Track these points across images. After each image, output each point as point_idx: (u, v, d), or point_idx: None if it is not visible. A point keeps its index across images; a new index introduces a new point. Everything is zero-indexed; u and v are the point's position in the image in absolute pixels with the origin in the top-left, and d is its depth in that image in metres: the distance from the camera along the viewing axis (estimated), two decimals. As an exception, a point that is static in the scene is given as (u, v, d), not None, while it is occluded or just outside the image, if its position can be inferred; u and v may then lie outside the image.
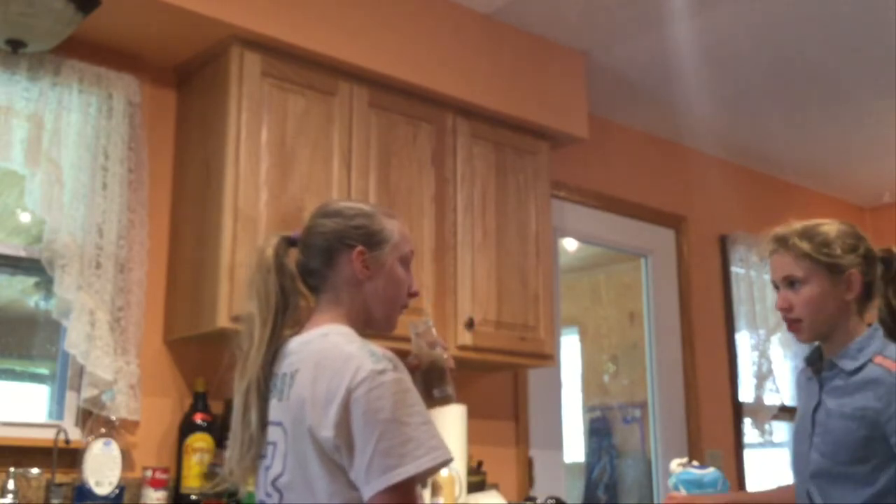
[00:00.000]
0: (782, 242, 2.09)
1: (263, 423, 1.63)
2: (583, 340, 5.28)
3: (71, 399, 2.80)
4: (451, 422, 3.14)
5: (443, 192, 3.28)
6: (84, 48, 2.85)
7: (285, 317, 1.68)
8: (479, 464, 3.43)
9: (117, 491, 2.65)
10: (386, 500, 1.45)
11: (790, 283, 2.07)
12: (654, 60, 3.83)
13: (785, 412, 4.67)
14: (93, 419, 2.72)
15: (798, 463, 2.12)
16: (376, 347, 1.57)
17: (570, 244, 4.48)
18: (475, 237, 3.35)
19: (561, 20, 3.56)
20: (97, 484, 2.62)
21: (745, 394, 4.74)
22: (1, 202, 2.92)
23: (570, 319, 5.07)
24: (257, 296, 1.68)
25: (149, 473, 2.72)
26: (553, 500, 3.44)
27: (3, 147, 2.68)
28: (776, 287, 2.12)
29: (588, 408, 5.09)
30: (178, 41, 2.93)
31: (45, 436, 2.64)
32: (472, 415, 3.29)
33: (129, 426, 2.80)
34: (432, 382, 1.80)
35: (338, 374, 1.52)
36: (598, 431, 4.97)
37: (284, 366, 1.64)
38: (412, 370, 1.75)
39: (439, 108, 3.33)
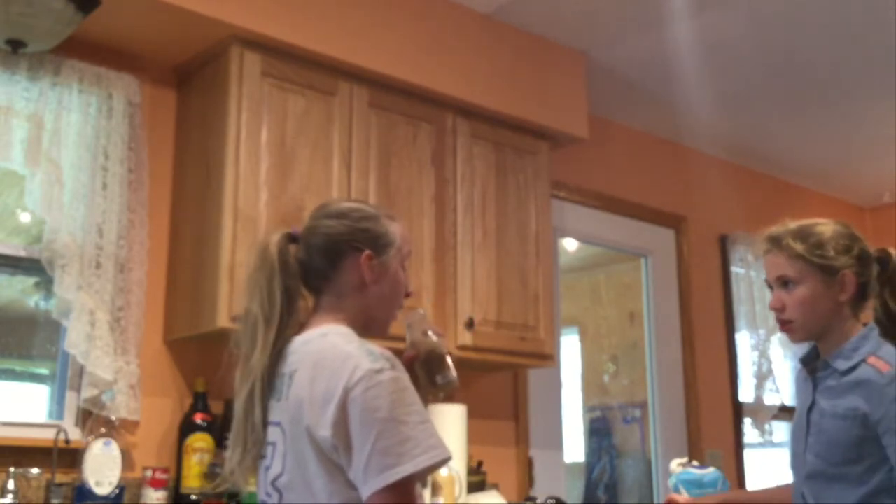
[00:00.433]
0: (776, 242, 2.08)
1: (265, 424, 1.63)
2: (583, 340, 5.28)
3: (71, 399, 2.80)
4: (451, 422, 3.14)
5: (443, 192, 3.28)
6: (84, 48, 2.85)
7: (290, 318, 1.67)
8: (479, 464, 3.43)
9: (117, 491, 2.65)
10: (384, 499, 1.45)
11: (783, 283, 2.07)
12: (654, 60, 3.83)
13: (785, 412, 4.67)
14: (93, 419, 2.72)
15: (795, 463, 2.13)
16: (374, 347, 1.57)
17: (570, 244, 4.48)
18: (475, 237, 3.35)
19: (561, 20, 3.56)
20: (97, 484, 2.62)
21: (745, 394, 4.74)
22: (1, 202, 2.92)
23: (570, 319, 5.07)
24: (260, 295, 1.66)
25: (149, 473, 2.72)
26: (553, 500, 3.44)
27: (3, 147, 2.68)
28: (770, 287, 2.12)
29: (588, 408, 5.09)
30: (178, 41, 2.93)
31: (45, 436, 2.64)
32: (472, 415, 3.29)
33: (129, 426, 2.80)
34: (433, 370, 1.80)
35: (335, 373, 1.52)
36: (598, 431, 4.97)
37: (284, 366, 1.64)
38: (411, 361, 1.77)
39: (439, 108, 3.33)
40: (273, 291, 1.66)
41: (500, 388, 3.78)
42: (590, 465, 4.91)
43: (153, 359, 2.90)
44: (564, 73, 3.75)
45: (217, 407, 2.88)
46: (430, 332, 1.82)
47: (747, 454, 4.73)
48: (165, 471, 2.75)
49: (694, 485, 2.40)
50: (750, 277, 4.87)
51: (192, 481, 2.78)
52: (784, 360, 4.92)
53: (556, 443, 4.01)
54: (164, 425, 2.88)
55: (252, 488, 2.78)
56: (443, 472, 2.96)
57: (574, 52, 3.79)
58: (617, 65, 3.91)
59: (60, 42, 2.64)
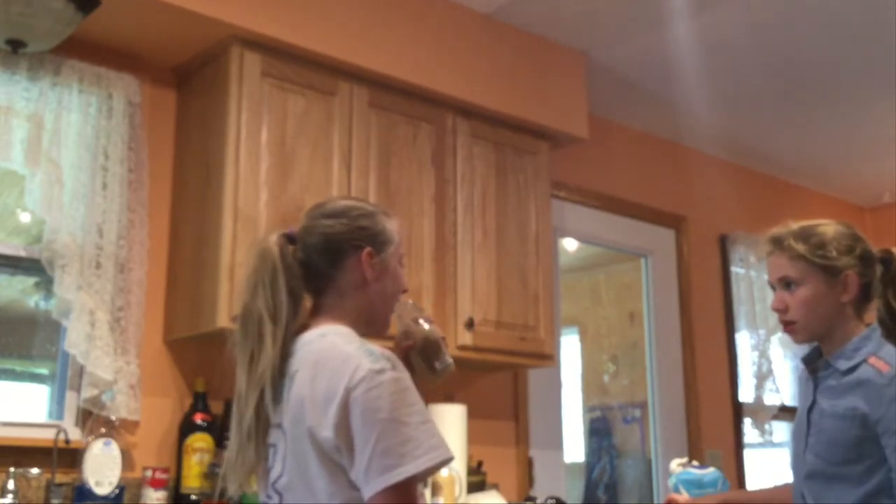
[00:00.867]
0: (778, 243, 2.09)
1: (270, 426, 1.63)
2: (583, 340, 5.29)
3: (71, 399, 2.80)
4: (451, 422, 3.14)
5: (443, 192, 3.28)
6: (84, 48, 2.85)
7: (295, 318, 1.66)
8: (479, 464, 3.43)
9: (117, 491, 2.65)
10: (386, 499, 1.45)
11: (786, 284, 2.07)
12: (654, 60, 3.83)
13: (785, 412, 4.67)
14: (93, 419, 2.72)
15: (795, 462, 2.13)
16: (375, 347, 1.57)
17: (570, 244, 4.48)
18: (475, 237, 3.35)
19: (561, 20, 3.56)
20: (97, 484, 2.62)
21: (745, 394, 4.74)
22: (1, 202, 2.92)
23: (570, 319, 5.07)
24: (264, 293, 1.64)
25: (149, 473, 2.72)
26: (553, 500, 3.44)
27: (3, 147, 2.68)
28: (773, 288, 2.12)
29: (588, 408, 5.09)
30: (178, 41, 2.93)
31: (45, 436, 2.64)
32: (472, 415, 3.29)
33: (129, 426, 2.80)
34: (431, 356, 1.82)
35: (336, 373, 1.52)
36: (598, 431, 4.97)
37: (285, 367, 1.63)
38: (408, 350, 1.80)
39: (439, 108, 3.33)
40: (278, 290, 1.64)
41: (500, 388, 3.78)
42: (590, 465, 4.91)
43: (153, 359, 2.90)
44: (564, 73, 3.75)
45: (217, 407, 2.88)
46: (421, 320, 1.84)
47: (747, 454, 4.73)
48: (165, 471, 2.75)
49: (694, 485, 2.40)
50: (750, 277, 4.86)
51: (192, 481, 2.78)
52: (784, 360, 4.92)
53: (556, 443, 4.01)
54: (164, 425, 2.88)
55: (252, 488, 2.78)
56: (443, 472, 2.96)
57: (574, 52, 3.79)
58: (617, 65, 3.91)
59: (60, 42, 2.64)
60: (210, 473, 2.77)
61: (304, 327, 1.69)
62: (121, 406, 2.72)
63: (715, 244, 4.85)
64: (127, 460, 2.74)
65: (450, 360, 1.83)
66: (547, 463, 3.90)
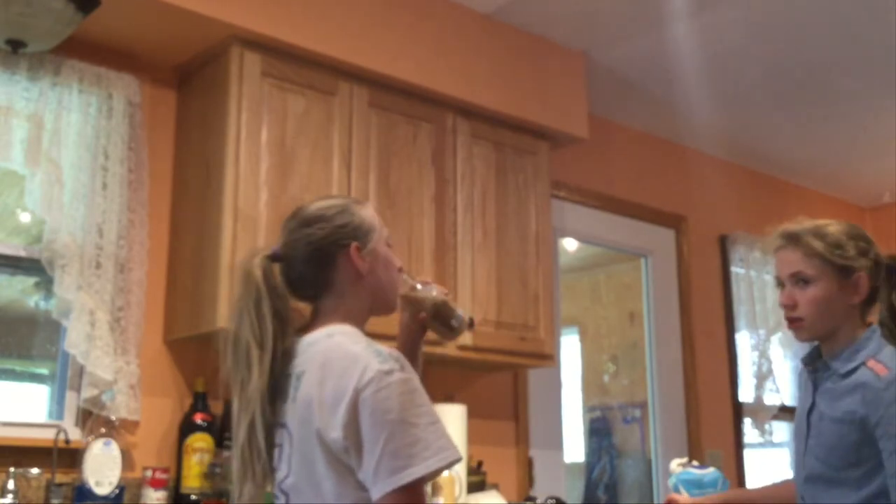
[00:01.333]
0: (793, 239, 2.05)
1: (270, 448, 1.62)
2: (583, 340, 5.29)
3: (71, 399, 2.80)
4: (451, 422, 3.14)
5: (443, 192, 3.28)
6: (84, 48, 2.85)
7: (284, 340, 1.64)
8: (479, 464, 3.43)
9: (117, 491, 2.65)
10: (394, 500, 1.45)
11: (797, 280, 2.04)
12: (654, 60, 3.83)
13: (785, 412, 4.67)
14: (93, 419, 2.72)
15: (796, 464, 2.12)
16: (382, 347, 1.56)
17: (570, 244, 4.48)
18: (475, 237, 3.35)
19: (561, 20, 3.56)
20: (97, 484, 2.62)
21: (745, 394, 4.74)
22: (1, 202, 2.92)
23: (570, 319, 5.07)
24: (249, 319, 1.63)
25: (149, 473, 2.72)
26: (553, 500, 3.44)
27: (3, 147, 2.68)
28: (780, 284, 2.09)
29: (588, 408, 5.09)
30: (178, 41, 2.93)
31: (45, 436, 2.64)
32: (472, 415, 3.29)
33: (129, 426, 2.80)
34: (446, 317, 1.86)
35: (345, 374, 1.52)
36: (598, 431, 4.97)
37: (291, 367, 1.63)
38: (423, 322, 1.85)
39: (439, 108, 3.33)
40: (263, 315, 1.63)
41: (500, 388, 3.78)
42: (590, 465, 4.91)
43: (153, 359, 2.90)
44: (564, 73, 3.75)
45: (217, 407, 2.88)
46: (418, 287, 1.85)
47: (747, 454, 4.73)
48: (165, 471, 2.75)
49: (694, 485, 2.40)
50: (750, 277, 4.86)
51: (192, 481, 2.78)
52: (784, 360, 4.92)
53: (556, 443, 4.01)
54: (164, 425, 2.88)
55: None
56: (443, 472, 2.95)
57: (574, 52, 3.79)
58: (617, 65, 3.91)
59: (60, 42, 2.64)
60: (210, 473, 2.77)
61: (309, 327, 1.69)
62: (121, 406, 2.72)
63: (715, 244, 4.85)
64: (127, 460, 2.74)
65: (462, 313, 1.87)
66: (547, 463, 3.90)
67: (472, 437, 3.34)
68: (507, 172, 3.51)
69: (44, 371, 2.98)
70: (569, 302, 4.84)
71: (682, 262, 4.64)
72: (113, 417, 2.72)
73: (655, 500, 4.33)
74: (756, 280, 4.86)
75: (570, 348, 5.09)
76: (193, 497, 2.77)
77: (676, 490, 2.41)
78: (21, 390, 2.98)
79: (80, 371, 2.74)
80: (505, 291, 3.39)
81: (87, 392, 2.69)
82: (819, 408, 2.04)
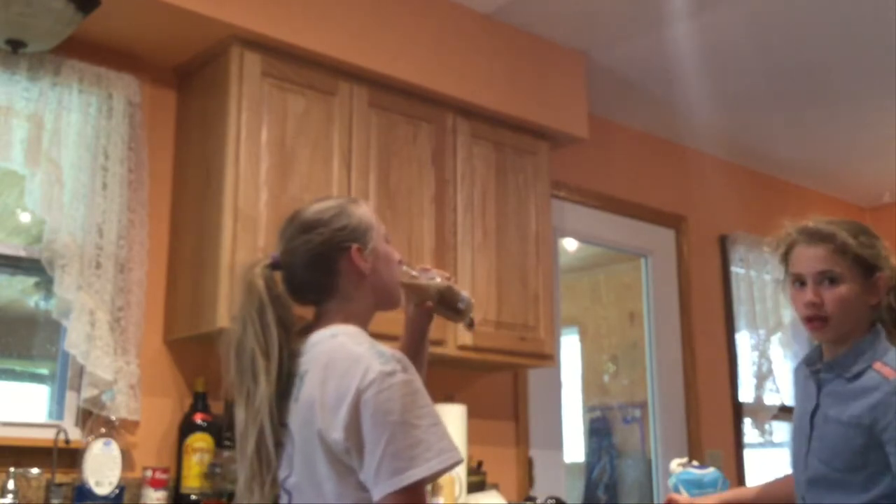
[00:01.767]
0: (824, 236, 1.99)
1: (279, 455, 1.62)
2: (583, 340, 5.29)
3: (71, 399, 2.80)
4: (451, 422, 3.14)
5: (443, 192, 3.28)
6: (84, 48, 2.85)
7: (289, 348, 1.64)
8: (479, 464, 3.43)
9: (117, 491, 2.65)
10: (395, 501, 1.45)
11: (825, 278, 1.98)
12: (654, 60, 3.83)
13: (785, 412, 4.66)
14: (93, 419, 2.72)
15: (795, 464, 2.11)
16: (385, 348, 1.56)
17: (570, 244, 4.48)
18: (475, 237, 3.35)
19: (561, 20, 3.56)
20: (97, 484, 2.62)
21: (745, 394, 4.74)
22: (1, 202, 2.92)
23: (570, 319, 5.07)
24: (253, 329, 1.63)
25: (149, 473, 2.72)
26: (553, 500, 3.44)
27: (3, 147, 2.68)
28: (799, 281, 2.02)
29: (588, 408, 5.09)
30: (178, 41, 2.93)
31: (45, 436, 2.64)
32: (472, 415, 3.29)
33: (129, 426, 2.80)
34: (452, 302, 1.85)
35: (347, 375, 1.51)
36: (598, 431, 4.97)
37: (294, 367, 1.63)
38: (430, 310, 1.84)
39: (439, 108, 3.33)
40: (267, 324, 1.63)
41: (500, 388, 3.78)
42: (590, 465, 4.91)
43: (153, 359, 2.90)
44: (564, 73, 3.75)
45: (217, 407, 2.88)
46: (420, 275, 1.84)
47: (747, 454, 4.73)
48: (165, 471, 2.75)
49: (694, 485, 2.40)
50: (750, 277, 4.86)
51: (192, 481, 2.78)
52: (784, 360, 4.92)
53: (556, 443, 4.01)
54: (164, 425, 2.88)
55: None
56: (443, 472, 2.95)
57: (574, 52, 3.79)
58: (617, 65, 3.91)
59: (60, 42, 2.64)
60: (210, 473, 2.77)
61: (313, 327, 1.69)
62: (121, 406, 2.72)
63: (715, 244, 4.85)
64: (127, 460, 2.74)
65: (466, 294, 1.88)
66: (547, 463, 3.90)
67: (472, 437, 3.34)
68: (507, 172, 3.51)
69: (44, 371, 2.98)
70: (569, 302, 4.84)
71: (682, 262, 4.64)
72: (113, 417, 2.72)
73: (655, 500, 4.33)
74: (756, 280, 4.86)
75: (570, 348, 5.09)
76: (193, 497, 2.77)
77: (676, 490, 2.41)
78: (21, 390, 2.98)
79: (80, 371, 2.74)
80: (505, 291, 3.39)
81: (87, 392, 2.69)
82: (823, 410, 2.02)
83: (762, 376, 4.78)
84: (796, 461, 2.10)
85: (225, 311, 2.69)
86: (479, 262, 3.34)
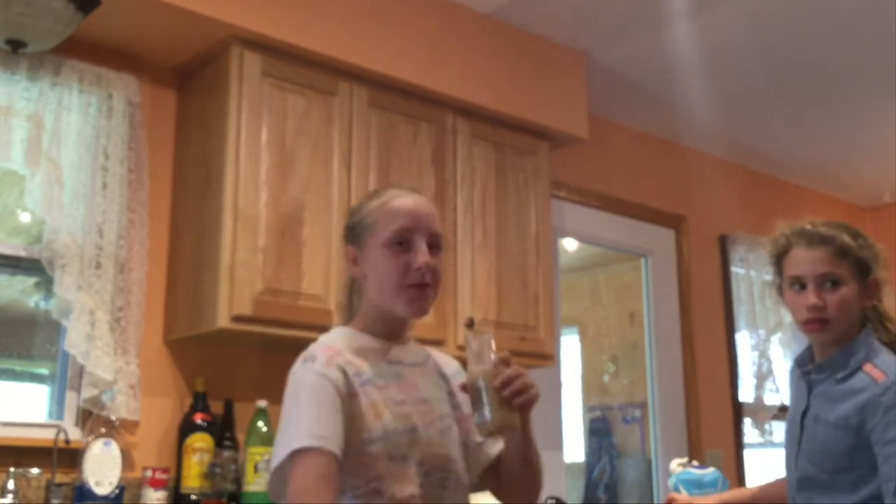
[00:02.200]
0: (824, 239, 2.00)
1: None
2: (583, 340, 5.28)
3: (71, 399, 2.80)
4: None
5: (443, 192, 3.28)
6: (84, 48, 2.85)
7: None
8: (479, 464, 3.42)
9: (117, 491, 2.65)
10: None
11: (827, 281, 1.99)
12: (654, 60, 3.83)
13: (785, 412, 4.64)
14: (93, 419, 2.71)
15: (787, 465, 2.11)
16: (320, 346, 1.63)
17: (570, 244, 4.47)
18: (475, 237, 3.35)
19: (561, 20, 3.56)
20: (97, 484, 2.62)
21: (745, 394, 4.74)
22: (1, 202, 2.92)
23: (570, 319, 5.07)
24: None
25: (149, 473, 2.72)
26: (553, 500, 3.44)
27: (3, 147, 2.68)
28: (798, 284, 2.03)
29: (588, 408, 5.09)
30: (178, 41, 2.93)
31: (45, 436, 2.64)
32: (472, 415, 3.29)
33: (129, 426, 2.80)
34: (473, 405, 1.60)
35: None
36: (598, 431, 4.97)
37: None
38: (463, 391, 1.65)
39: (439, 108, 3.33)
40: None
41: (500, 388, 3.77)
42: (590, 465, 4.91)
43: (153, 359, 2.90)
44: (564, 73, 3.75)
45: (217, 407, 2.88)
46: (472, 358, 1.62)
47: (747, 454, 4.73)
48: (165, 471, 2.75)
49: (694, 485, 2.40)
50: (750, 277, 4.86)
51: (192, 481, 2.78)
52: (784, 360, 4.92)
53: (556, 443, 4.01)
54: (164, 425, 2.88)
55: (252, 488, 2.78)
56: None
57: (574, 52, 3.79)
58: (617, 65, 3.91)
59: (60, 42, 2.64)
60: (210, 473, 2.77)
61: None
62: (121, 406, 2.72)
63: (715, 244, 4.85)
64: (127, 460, 2.74)
65: (485, 417, 1.57)
66: (547, 463, 3.87)
67: (472, 437, 3.33)
68: (507, 172, 3.51)
69: (44, 371, 2.98)
70: (569, 302, 4.84)
71: (682, 262, 4.64)
72: (113, 417, 2.72)
73: (655, 500, 4.33)
74: (756, 280, 4.86)
75: (570, 348, 5.09)
76: (193, 497, 2.77)
77: (676, 490, 2.41)
78: (21, 390, 2.98)
79: (80, 371, 2.74)
80: (505, 291, 3.39)
81: (87, 392, 2.69)
82: (814, 411, 2.03)
83: (762, 376, 4.78)
84: (787, 462, 2.11)
85: (225, 311, 2.69)
86: (479, 262, 3.33)
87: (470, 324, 1.71)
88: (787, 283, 2.07)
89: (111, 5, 2.66)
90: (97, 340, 2.69)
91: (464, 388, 1.63)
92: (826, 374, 2.02)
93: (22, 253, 2.82)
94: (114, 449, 2.68)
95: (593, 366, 5.22)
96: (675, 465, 2.49)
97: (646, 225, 4.54)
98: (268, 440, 2.82)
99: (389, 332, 1.70)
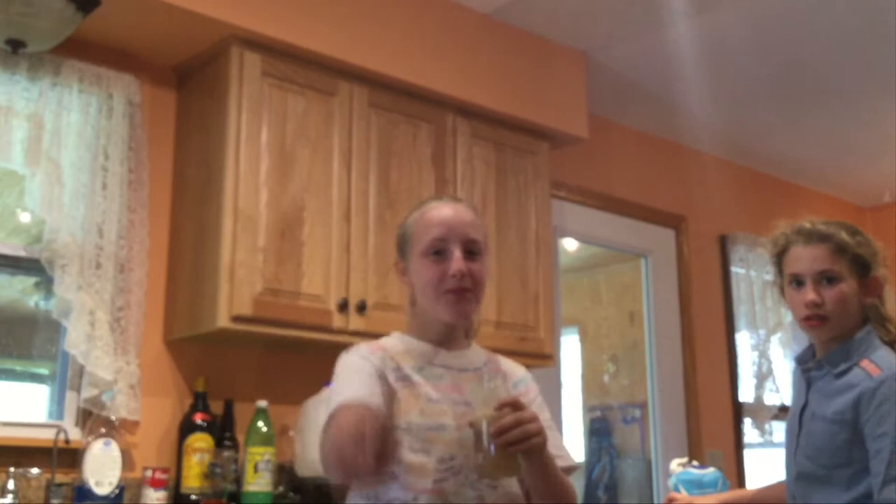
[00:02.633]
0: (822, 236, 2.02)
1: None
2: (583, 340, 5.28)
3: (71, 399, 2.80)
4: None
5: (443, 193, 3.28)
6: (84, 48, 2.85)
7: None
8: (479, 464, 3.42)
9: (117, 491, 2.65)
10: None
11: (824, 278, 2.01)
12: (654, 60, 3.83)
13: (785, 412, 4.65)
14: (93, 419, 2.72)
15: (787, 462, 2.12)
16: (368, 342, 1.77)
17: (570, 244, 4.47)
18: (475, 237, 3.34)
19: (561, 20, 3.56)
20: (97, 484, 2.62)
21: (745, 394, 4.74)
22: (1, 202, 2.92)
23: (570, 319, 5.07)
24: None
25: (149, 473, 2.72)
26: (553, 500, 3.43)
27: (3, 147, 2.68)
28: (797, 281, 2.05)
29: (588, 408, 5.08)
30: (178, 41, 2.93)
31: (45, 436, 2.64)
32: (472, 415, 3.29)
33: (129, 426, 2.80)
34: (473, 447, 1.59)
35: None
36: (598, 431, 4.96)
37: None
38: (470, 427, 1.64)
39: (439, 108, 3.33)
40: None
41: (500, 388, 3.77)
42: (590, 465, 4.91)
43: (153, 359, 2.90)
44: (564, 73, 3.75)
45: (217, 407, 2.88)
46: (482, 402, 1.62)
47: (747, 454, 4.73)
48: (165, 471, 2.75)
49: (694, 485, 2.40)
50: (750, 277, 4.86)
51: (192, 481, 2.78)
52: (784, 360, 4.92)
53: (556, 443, 4.00)
54: (164, 425, 2.88)
55: (252, 488, 2.78)
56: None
57: (574, 52, 3.79)
58: (617, 65, 3.91)
59: (60, 42, 2.64)
60: (210, 473, 2.77)
61: None
62: (121, 406, 2.72)
63: (715, 244, 4.85)
64: (127, 460, 2.74)
65: (478, 461, 1.58)
66: (547, 463, 3.89)
67: (472, 437, 3.33)
68: (507, 172, 3.51)
69: (44, 371, 2.98)
70: (569, 302, 4.84)
71: (682, 262, 4.64)
72: (113, 417, 2.72)
73: (655, 500, 4.33)
74: (756, 280, 4.86)
75: (570, 348, 5.09)
76: (193, 497, 2.77)
77: (676, 490, 2.41)
78: (21, 390, 2.98)
79: (80, 371, 2.74)
80: (505, 291, 3.38)
81: (87, 392, 2.69)
82: (811, 407, 2.04)
83: (762, 376, 4.78)
84: (787, 459, 2.11)
85: (225, 311, 2.69)
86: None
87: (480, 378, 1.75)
88: (787, 281, 2.09)
89: (111, 5, 2.66)
90: (97, 340, 2.69)
91: (470, 426, 1.63)
92: (825, 371, 2.03)
93: (22, 253, 2.82)
94: (114, 449, 2.68)
95: (593, 366, 5.22)
96: (675, 465, 2.49)
97: (646, 225, 4.54)
98: (268, 440, 2.82)
99: (439, 337, 1.79)
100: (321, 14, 3.03)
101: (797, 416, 2.08)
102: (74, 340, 2.66)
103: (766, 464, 4.82)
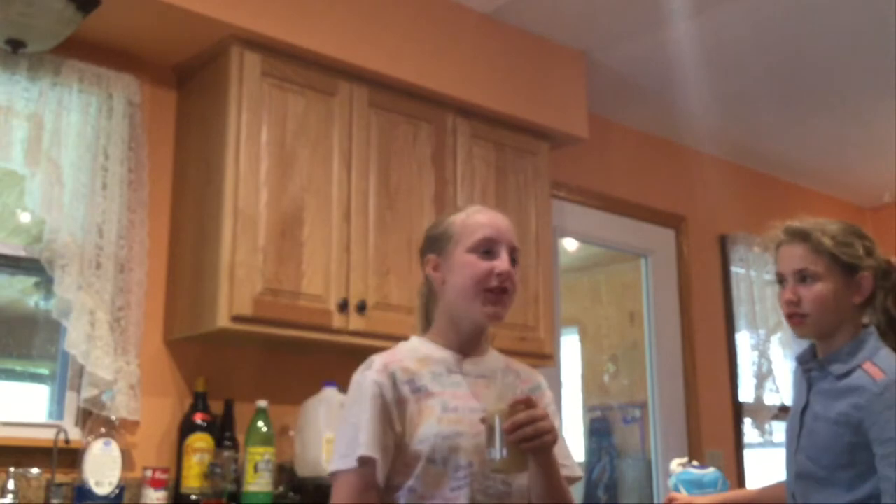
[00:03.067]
0: (800, 235, 2.04)
1: None
2: (583, 340, 5.28)
3: (71, 399, 2.80)
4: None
5: (443, 192, 3.28)
6: (84, 48, 2.85)
7: None
8: (479, 464, 3.42)
9: (117, 491, 2.65)
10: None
11: (802, 277, 2.02)
12: (654, 60, 3.83)
13: (785, 412, 4.66)
14: (93, 419, 2.72)
15: (787, 462, 2.12)
16: (386, 353, 1.76)
17: (570, 244, 4.47)
18: (475, 237, 3.34)
19: (561, 20, 3.56)
20: (97, 484, 2.62)
21: (745, 394, 4.74)
22: (1, 202, 2.92)
23: (570, 319, 5.07)
24: None
25: (149, 473, 2.72)
26: (553, 500, 3.43)
27: (3, 147, 2.68)
28: (782, 280, 2.07)
29: (588, 408, 5.09)
30: (178, 41, 2.93)
31: (45, 436, 2.64)
32: (472, 415, 3.29)
33: (129, 426, 2.80)
34: (486, 442, 1.61)
35: None
36: (598, 431, 4.96)
37: None
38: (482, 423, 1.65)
39: (439, 108, 3.33)
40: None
41: (500, 388, 3.77)
42: (590, 465, 4.91)
43: (153, 359, 2.90)
44: (564, 73, 3.75)
45: (217, 407, 2.88)
46: (495, 398, 1.68)
47: (747, 454, 4.73)
48: (165, 471, 2.75)
49: (694, 485, 2.40)
50: (750, 277, 4.86)
51: (192, 481, 2.78)
52: (784, 360, 4.92)
53: (556, 443, 4.00)
54: (164, 425, 2.88)
55: (252, 488, 2.78)
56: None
57: (574, 52, 3.79)
58: (617, 65, 3.91)
59: (60, 42, 2.64)
60: (210, 473, 2.77)
61: None
62: (121, 406, 2.72)
63: (715, 244, 4.85)
64: (127, 460, 2.74)
65: (493, 455, 1.58)
66: (547, 463, 3.89)
67: (472, 437, 3.33)
68: (507, 172, 3.51)
69: (44, 371, 2.98)
70: (569, 302, 4.84)
71: (682, 262, 4.64)
72: (113, 417, 2.72)
73: (655, 500, 4.33)
74: (756, 280, 4.86)
75: (570, 348, 5.09)
76: (193, 497, 2.77)
77: (676, 490, 2.41)
78: (21, 390, 2.98)
79: (80, 371, 2.74)
80: (505, 291, 3.38)
81: (87, 392, 2.69)
82: (813, 408, 2.04)
83: (762, 376, 4.78)
84: (787, 458, 2.11)
85: (225, 311, 2.69)
86: (479, 262, 3.33)
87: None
88: (777, 280, 2.11)
89: (111, 5, 2.66)
90: (97, 340, 2.69)
91: (482, 421, 1.64)
92: (826, 372, 2.03)
93: (22, 253, 2.82)
94: (114, 449, 2.68)
95: (593, 366, 5.22)
96: (675, 465, 2.49)
97: (646, 225, 4.54)
98: (268, 440, 2.82)
99: (462, 341, 1.80)
100: (321, 14, 3.03)
101: (798, 416, 2.08)
102: (74, 340, 2.66)
103: (766, 464, 4.83)
